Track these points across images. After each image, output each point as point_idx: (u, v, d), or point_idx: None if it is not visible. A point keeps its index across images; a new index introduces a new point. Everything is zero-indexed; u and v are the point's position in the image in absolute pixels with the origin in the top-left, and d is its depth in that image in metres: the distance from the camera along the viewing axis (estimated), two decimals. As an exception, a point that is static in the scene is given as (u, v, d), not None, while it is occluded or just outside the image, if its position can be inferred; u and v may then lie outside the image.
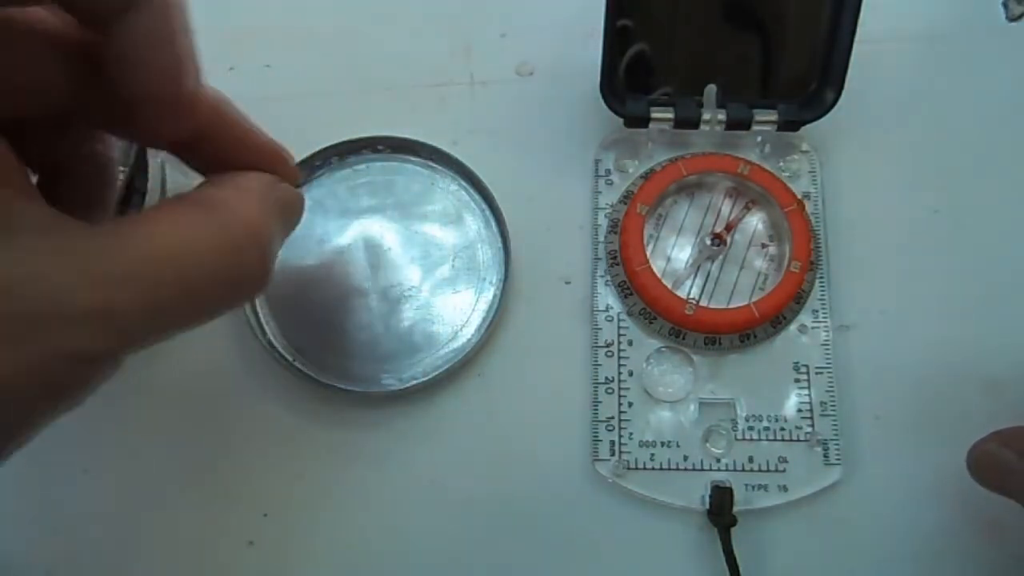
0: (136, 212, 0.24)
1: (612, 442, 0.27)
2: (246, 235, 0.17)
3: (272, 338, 0.29)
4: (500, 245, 0.30)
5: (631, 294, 0.29)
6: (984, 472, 0.24)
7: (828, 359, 0.28)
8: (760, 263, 0.29)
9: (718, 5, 0.29)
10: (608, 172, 0.31)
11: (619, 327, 0.29)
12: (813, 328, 0.29)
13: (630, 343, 0.28)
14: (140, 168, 0.25)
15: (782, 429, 0.27)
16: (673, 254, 0.29)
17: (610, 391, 0.28)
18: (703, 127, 0.30)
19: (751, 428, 0.28)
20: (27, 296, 0.14)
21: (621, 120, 0.30)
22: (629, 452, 0.27)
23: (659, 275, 0.28)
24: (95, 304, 0.14)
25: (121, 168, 0.23)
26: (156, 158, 0.26)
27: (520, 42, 0.33)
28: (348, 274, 0.29)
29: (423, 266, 0.29)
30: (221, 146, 0.20)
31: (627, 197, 0.30)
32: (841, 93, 0.29)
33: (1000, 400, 0.28)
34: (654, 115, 0.29)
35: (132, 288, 0.15)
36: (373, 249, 0.29)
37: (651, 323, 0.28)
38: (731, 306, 0.28)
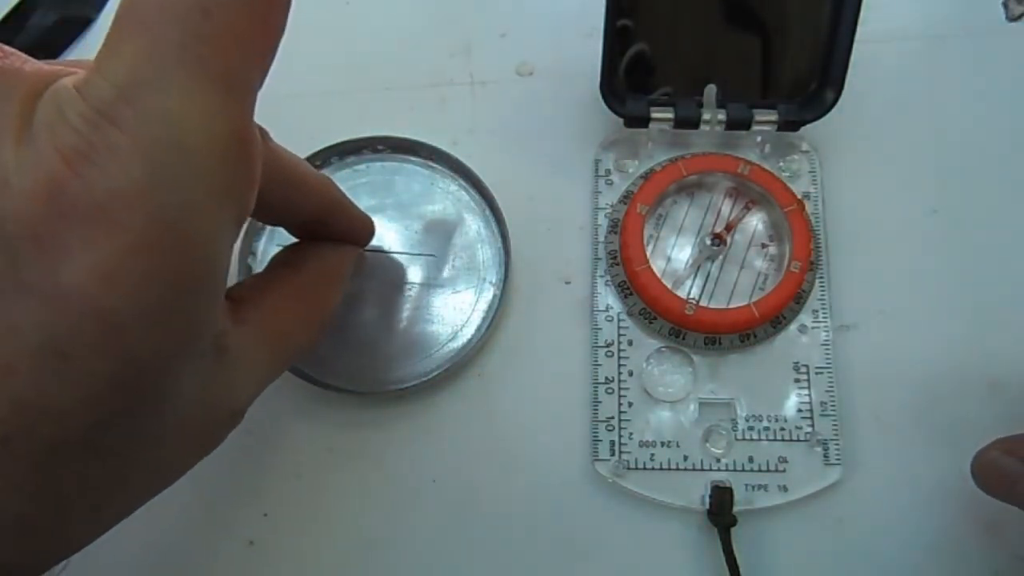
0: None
1: (612, 442, 0.27)
2: (330, 315, 0.24)
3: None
4: (500, 245, 0.30)
5: (631, 294, 0.29)
6: (988, 480, 0.24)
7: (828, 359, 0.28)
8: (760, 263, 0.29)
9: (718, 5, 0.29)
10: (608, 172, 0.31)
11: (619, 327, 0.29)
12: (813, 328, 0.29)
13: (630, 343, 0.28)
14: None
15: (782, 429, 0.27)
16: (673, 254, 0.29)
17: (610, 391, 0.28)
18: (703, 127, 0.30)
19: (751, 428, 0.28)
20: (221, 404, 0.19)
21: (621, 120, 0.30)
22: (629, 452, 0.27)
23: (659, 275, 0.28)
24: (252, 398, 0.21)
25: None
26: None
27: (520, 42, 0.33)
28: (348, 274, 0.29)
29: (423, 266, 0.29)
30: (330, 228, 0.24)
31: (627, 197, 0.30)
32: (841, 93, 0.29)
33: (1001, 400, 0.28)
34: (654, 115, 0.29)
35: (270, 375, 0.21)
36: (373, 249, 0.29)
37: (651, 323, 0.28)
38: (731, 306, 0.28)
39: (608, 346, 0.28)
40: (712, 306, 0.28)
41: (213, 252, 0.16)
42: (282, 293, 0.22)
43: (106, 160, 0.14)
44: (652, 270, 0.28)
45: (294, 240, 0.25)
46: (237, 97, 0.15)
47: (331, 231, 0.25)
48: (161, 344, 0.15)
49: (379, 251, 0.29)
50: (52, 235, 0.13)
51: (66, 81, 0.14)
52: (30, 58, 0.16)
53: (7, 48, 0.15)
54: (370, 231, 0.27)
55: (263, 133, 0.20)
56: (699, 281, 0.29)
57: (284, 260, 0.24)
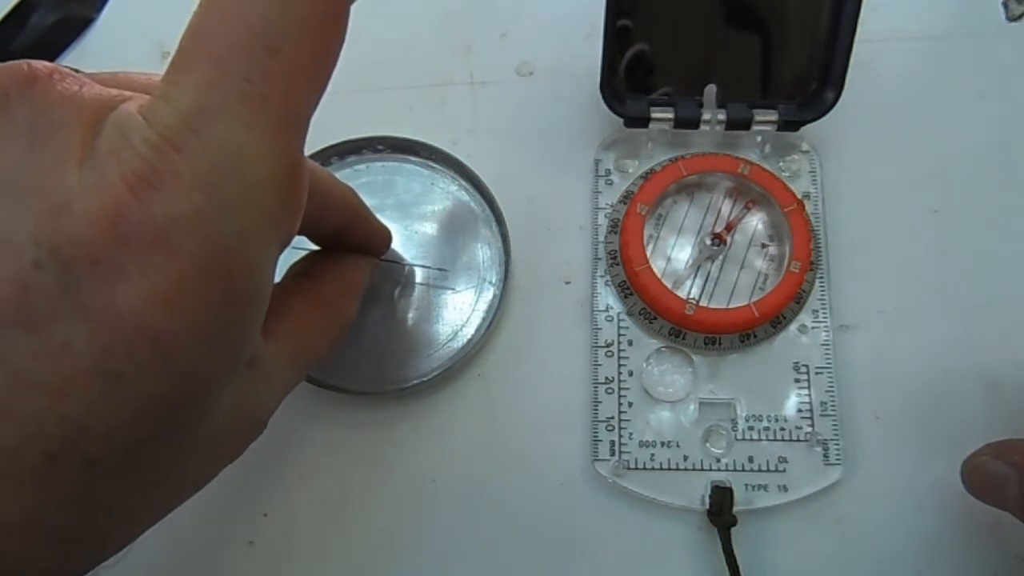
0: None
1: (612, 442, 0.27)
2: (348, 325, 0.24)
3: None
4: (500, 245, 0.29)
5: (631, 294, 0.29)
6: (978, 485, 0.24)
7: (828, 359, 0.28)
8: (760, 263, 0.29)
9: (718, 5, 0.29)
10: (608, 172, 0.31)
11: (619, 327, 0.29)
12: (813, 328, 0.29)
13: (630, 343, 0.28)
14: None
15: (782, 429, 0.27)
16: (673, 254, 0.29)
17: (610, 391, 0.28)
18: (703, 127, 0.30)
19: (751, 428, 0.28)
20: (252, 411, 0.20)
21: (621, 120, 0.30)
22: (629, 452, 0.27)
23: (659, 275, 0.28)
24: (276, 406, 0.21)
25: None
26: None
27: (520, 42, 0.33)
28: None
29: (423, 266, 0.29)
30: (350, 238, 0.24)
31: (627, 197, 0.30)
32: (841, 93, 0.29)
33: (1000, 400, 0.28)
34: (654, 115, 0.29)
35: (292, 384, 0.22)
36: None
37: (651, 323, 0.28)
38: (731, 306, 0.28)
39: (608, 346, 0.28)
40: (712, 306, 0.28)
41: (261, 277, 0.16)
42: (304, 305, 0.22)
43: (169, 186, 0.14)
44: (652, 270, 0.28)
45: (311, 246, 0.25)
46: (294, 131, 0.16)
47: (351, 241, 0.25)
48: (209, 364, 0.16)
49: (395, 262, 0.29)
50: (111, 259, 0.14)
51: (129, 107, 0.15)
52: (86, 79, 0.16)
53: (64, 69, 0.16)
54: (387, 241, 0.27)
55: None
56: (699, 281, 0.29)
57: (304, 271, 0.24)
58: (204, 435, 0.17)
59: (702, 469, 0.27)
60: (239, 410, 0.18)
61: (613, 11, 0.27)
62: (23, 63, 0.15)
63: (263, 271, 0.16)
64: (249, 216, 0.15)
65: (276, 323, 0.21)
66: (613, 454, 0.27)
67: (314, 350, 0.22)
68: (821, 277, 0.29)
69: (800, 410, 0.28)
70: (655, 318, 0.28)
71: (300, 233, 0.25)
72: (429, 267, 0.29)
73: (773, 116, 0.29)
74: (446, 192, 0.30)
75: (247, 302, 0.16)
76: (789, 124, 0.29)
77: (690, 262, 0.29)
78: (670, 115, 0.29)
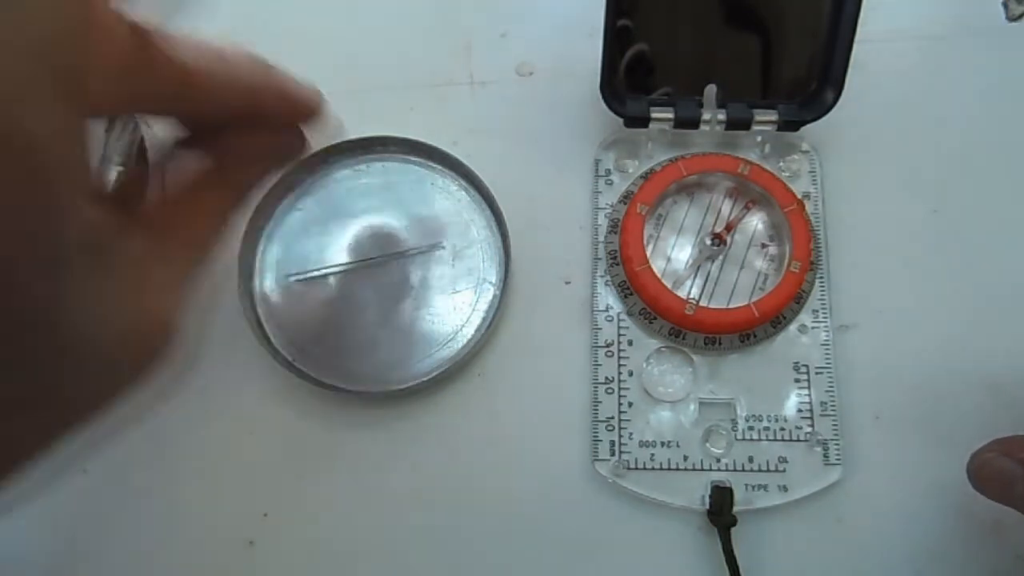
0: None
1: (612, 442, 0.27)
2: (246, 197, 0.21)
3: (272, 338, 0.29)
4: (500, 245, 0.29)
5: (631, 294, 0.29)
6: (985, 481, 0.24)
7: (828, 359, 0.28)
8: (760, 263, 0.29)
9: (718, 5, 0.29)
10: (608, 172, 0.31)
11: (619, 327, 0.29)
12: (813, 328, 0.29)
13: (630, 343, 0.28)
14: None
15: (782, 429, 0.27)
16: (673, 254, 0.29)
17: (610, 391, 0.28)
18: (703, 127, 0.30)
19: (751, 428, 0.28)
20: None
21: (621, 120, 0.30)
22: (629, 452, 0.27)
23: (659, 275, 0.28)
24: (167, 309, 0.17)
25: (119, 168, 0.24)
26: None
27: (520, 42, 0.33)
28: (347, 274, 0.29)
29: (423, 266, 0.29)
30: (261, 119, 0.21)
31: (627, 197, 0.30)
32: (841, 93, 0.29)
33: (1000, 399, 0.28)
34: (654, 115, 0.29)
35: (177, 278, 0.18)
36: (373, 249, 0.29)
37: (651, 323, 0.28)
38: (731, 306, 0.28)
39: (608, 346, 0.28)
40: (712, 306, 0.28)
41: (56, 146, 0.13)
42: (196, 188, 0.19)
43: None
44: (652, 270, 0.28)
45: None
46: None
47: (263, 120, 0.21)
48: (10, 247, 0.13)
49: (388, 256, 0.29)
50: None
51: None
52: None
53: None
54: (306, 111, 0.23)
55: (143, 30, 0.16)
56: (699, 281, 0.29)
57: (186, 143, 0.21)
58: (66, 338, 0.15)
59: (702, 469, 0.27)
60: (104, 311, 0.16)
61: (613, 11, 0.27)
62: None
63: (58, 139, 0.13)
64: (28, 74, 0.13)
65: (147, 210, 0.18)
66: (613, 454, 0.27)
67: (200, 237, 0.19)
68: (821, 277, 0.29)
69: (800, 410, 0.28)
70: (655, 318, 0.28)
71: (187, 124, 0.20)
72: (422, 250, 0.29)
73: (773, 116, 0.29)
74: (446, 192, 0.30)
75: (41, 175, 0.13)
76: (789, 124, 0.29)
77: (690, 262, 0.29)
78: (670, 115, 0.29)
